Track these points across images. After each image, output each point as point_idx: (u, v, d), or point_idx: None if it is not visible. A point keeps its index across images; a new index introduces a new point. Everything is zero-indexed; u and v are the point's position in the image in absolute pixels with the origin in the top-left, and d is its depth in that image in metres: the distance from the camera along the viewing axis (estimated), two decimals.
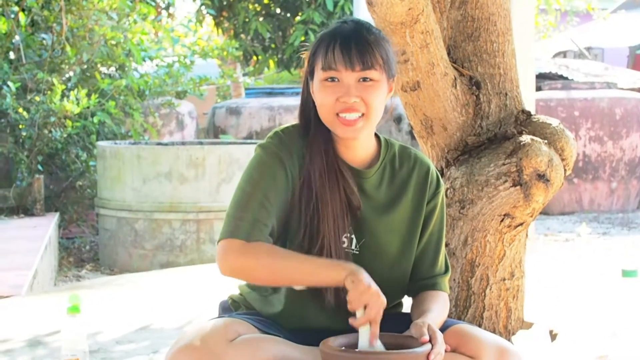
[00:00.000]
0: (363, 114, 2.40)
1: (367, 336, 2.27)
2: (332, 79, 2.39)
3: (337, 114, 2.40)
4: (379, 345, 2.27)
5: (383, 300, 2.28)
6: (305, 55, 2.50)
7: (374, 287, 2.28)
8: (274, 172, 2.43)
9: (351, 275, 2.30)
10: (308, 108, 2.50)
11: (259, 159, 2.46)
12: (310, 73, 2.46)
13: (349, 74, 2.38)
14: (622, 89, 11.35)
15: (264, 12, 13.80)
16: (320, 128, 2.47)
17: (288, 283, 2.41)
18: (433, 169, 2.59)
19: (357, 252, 2.48)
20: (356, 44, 2.38)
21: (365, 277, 2.30)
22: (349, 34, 2.40)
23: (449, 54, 3.43)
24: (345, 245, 2.46)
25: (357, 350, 2.26)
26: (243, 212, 2.39)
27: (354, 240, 2.48)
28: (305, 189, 2.43)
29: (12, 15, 8.91)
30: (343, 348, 2.27)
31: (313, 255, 2.40)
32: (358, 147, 2.50)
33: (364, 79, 2.39)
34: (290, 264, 2.37)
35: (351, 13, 12.60)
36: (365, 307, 2.26)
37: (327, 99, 2.40)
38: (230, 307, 2.63)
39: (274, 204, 2.41)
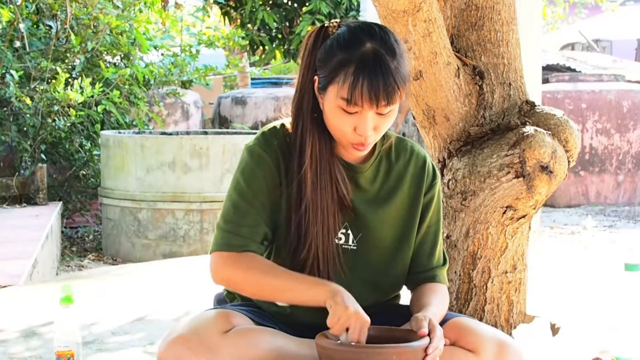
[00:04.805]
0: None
1: None
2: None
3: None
4: None
5: (364, 319, 2.22)
6: (302, 48, 2.41)
7: (353, 307, 2.22)
8: (261, 177, 2.39)
9: (330, 298, 2.25)
10: (307, 104, 2.40)
11: (246, 164, 2.42)
12: (323, 86, 2.34)
13: (371, 109, 2.29)
14: (630, 81, 11.31)
15: (270, 2, 13.74)
16: (316, 124, 2.40)
17: (273, 300, 2.41)
18: (429, 161, 2.54)
19: (355, 248, 2.44)
20: (384, 82, 2.25)
21: (344, 299, 2.24)
22: (375, 66, 2.26)
23: (452, 43, 3.38)
24: (342, 241, 2.43)
25: (353, 344, 2.22)
26: (232, 224, 2.38)
27: (351, 236, 2.44)
28: (296, 189, 2.38)
29: (17, 2, 8.86)
30: (339, 342, 2.23)
31: (300, 253, 2.37)
32: None
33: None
34: (276, 282, 2.34)
35: (358, 5, 12.54)
36: (347, 330, 2.22)
37: (343, 127, 2.32)
38: (225, 299, 2.60)
39: (264, 211, 2.39)
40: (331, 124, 2.35)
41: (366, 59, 2.27)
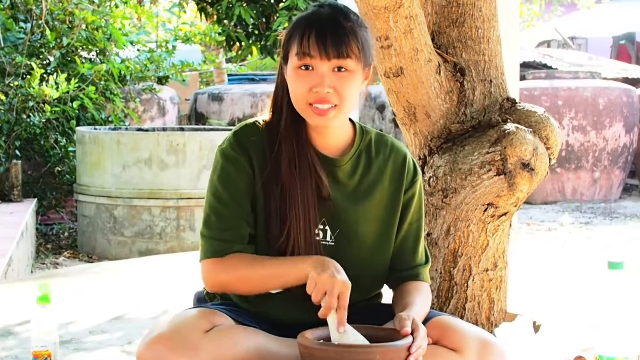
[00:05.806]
0: (335, 105, 2.33)
1: (334, 324, 2.21)
2: (306, 67, 2.32)
3: (310, 104, 2.34)
4: (348, 331, 2.21)
5: (342, 282, 2.21)
6: (281, 37, 2.43)
7: (329, 273, 2.22)
8: (237, 179, 2.39)
9: (312, 268, 2.25)
10: (282, 93, 2.43)
11: (221, 168, 2.41)
12: (285, 57, 2.39)
13: (323, 63, 2.31)
14: (605, 78, 11.35)
15: None
16: (294, 115, 2.40)
17: (265, 290, 2.38)
18: (409, 157, 2.53)
19: (333, 244, 2.41)
20: (332, 32, 2.30)
21: (323, 267, 2.25)
22: (325, 20, 2.33)
23: (433, 39, 3.36)
24: (320, 237, 2.40)
25: (335, 343, 2.20)
26: (215, 230, 2.38)
27: (329, 232, 2.42)
28: (273, 181, 2.37)
29: None
30: (321, 341, 2.21)
31: (282, 248, 2.35)
32: (331, 134, 2.44)
33: (339, 69, 2.32)
34: (261, 272, 2.34)
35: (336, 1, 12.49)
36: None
37: (300, 88, 2.33)
38: (205, 298, 2.57)
39: (244, 212, 2.38)
40: (292, 91, 2.37)
41: (318, 14, 2.36)
